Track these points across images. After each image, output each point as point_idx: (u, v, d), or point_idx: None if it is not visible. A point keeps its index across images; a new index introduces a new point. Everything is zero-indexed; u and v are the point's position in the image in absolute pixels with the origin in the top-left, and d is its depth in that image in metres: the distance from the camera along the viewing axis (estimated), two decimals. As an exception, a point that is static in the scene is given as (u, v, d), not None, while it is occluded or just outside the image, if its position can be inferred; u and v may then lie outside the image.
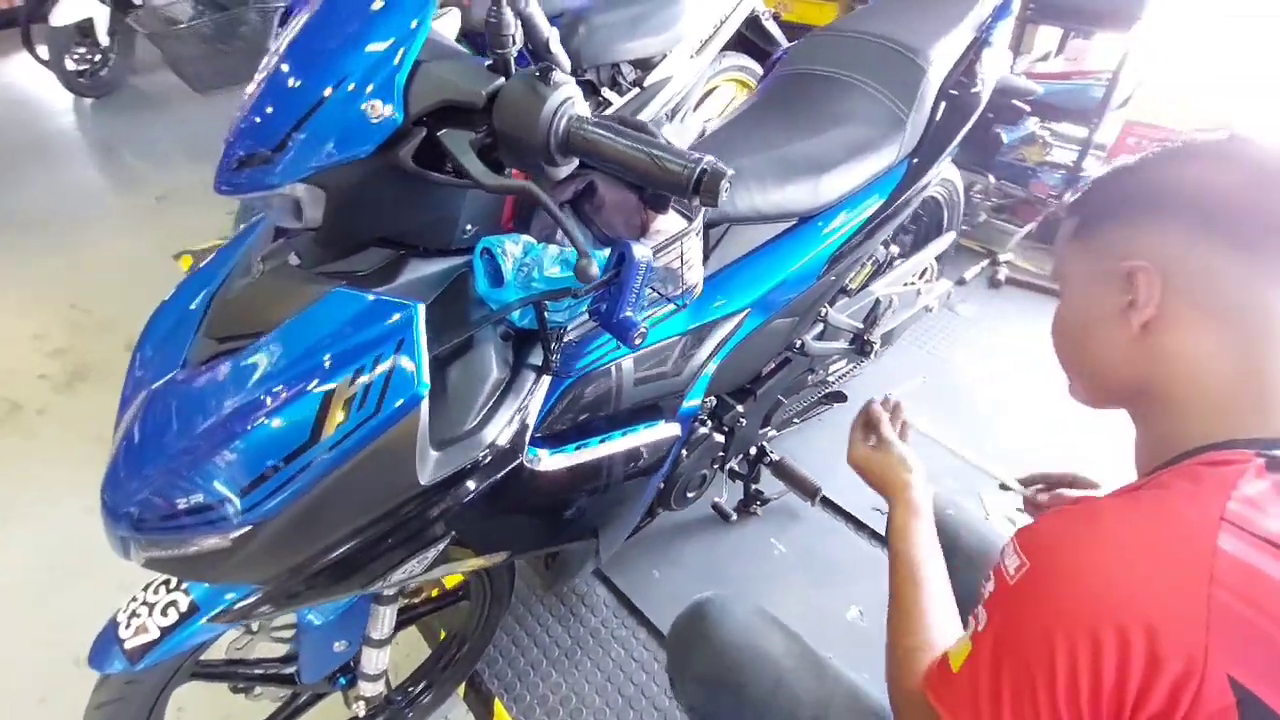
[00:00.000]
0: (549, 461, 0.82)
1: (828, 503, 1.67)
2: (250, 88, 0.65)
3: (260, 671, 1.05)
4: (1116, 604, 0.49)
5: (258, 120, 0.61)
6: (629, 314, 0.74)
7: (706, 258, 1.09)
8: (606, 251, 0.76)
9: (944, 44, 1.24)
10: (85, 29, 3.75)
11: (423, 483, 0.64)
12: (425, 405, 0.63)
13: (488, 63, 0.60)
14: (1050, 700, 0.52)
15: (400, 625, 1.17)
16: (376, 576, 0.71)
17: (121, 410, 0.74)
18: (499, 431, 0.72)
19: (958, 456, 0.98)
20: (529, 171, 0.61)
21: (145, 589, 0.82)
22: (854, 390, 1.91)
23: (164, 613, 0.79)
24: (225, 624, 0.75)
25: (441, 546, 0.73)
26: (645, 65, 2.07)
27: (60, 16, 3.56)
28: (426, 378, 0.62)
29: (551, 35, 0.60)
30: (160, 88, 3.99)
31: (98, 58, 3.93)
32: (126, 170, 3.37)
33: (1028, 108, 1.62)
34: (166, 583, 0.81)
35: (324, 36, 0.61)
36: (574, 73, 1.98)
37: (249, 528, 0.62)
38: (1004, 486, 0.93)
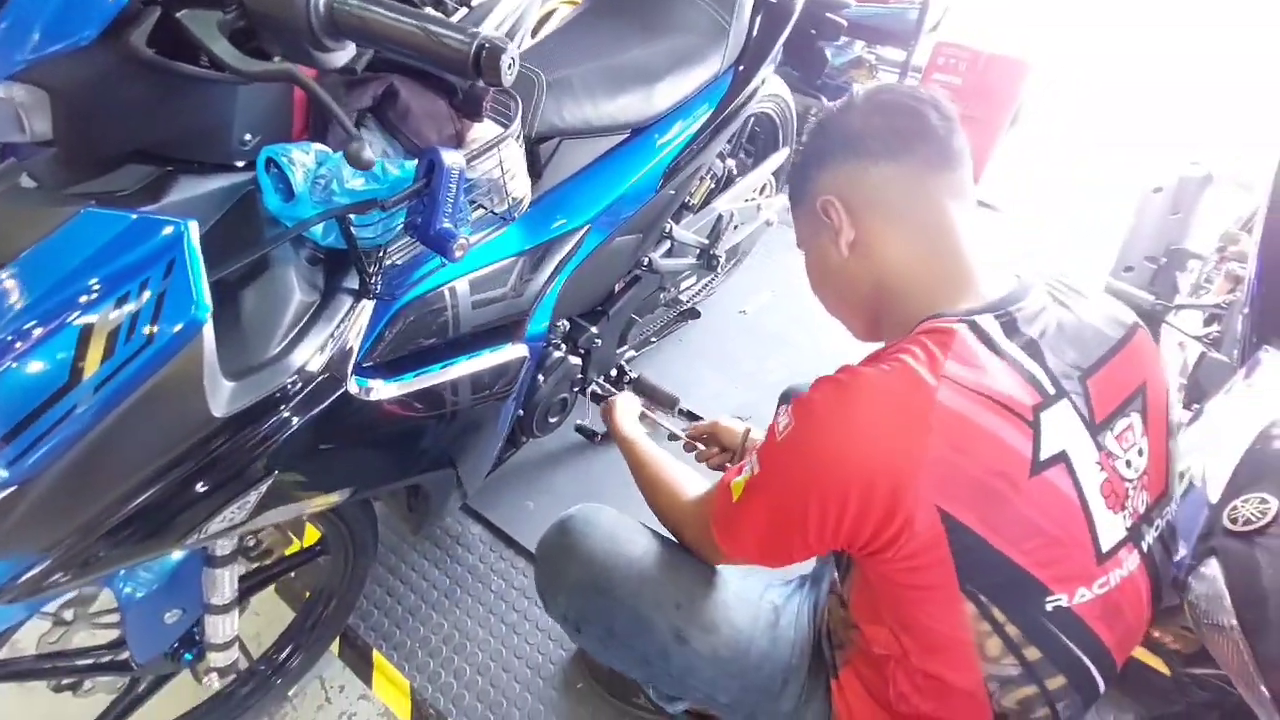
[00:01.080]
0: (383, 390, 0.78)
1: (692, 415, 1.75)
2: None
3: (88, 662, 0.95)
4: (858, 464, 0.60)
5: None
6: (446, 225, 0.71)
7: (540, 175, 1.06)
8: (415, 162, 0.71)
9: (759, -49, 1.25)
10: None
11: (217, 415, 0.59)
12: (209, 331, 0.56)
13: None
14: (803, 533, 0.65)
15: (253, 589, 1.10)
16: (190, 529, 0.65)
17: None
18: (309, 357, 0.66)
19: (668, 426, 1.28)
20: (300, 61, 0.55)
21: (-97, 588, 0.70)
22: (712, 307, 2.00)
23: (-68, 610, 0.69)
24: (14, 605, 0.66)
25: (264, 488, 0.68)
26: (471, -19, 1.93)
27: None
28: (207, 300, 0.56)
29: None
30: None
31: None
32: None
33: (844, 21, 1.70)
34: (-70, 577, 0.70)
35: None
36: (391, -12, 1.81)
37: (12, 490, 0.54)
38: (673, 437, 1.24)
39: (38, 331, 0.53)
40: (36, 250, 0.55)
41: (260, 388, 0.62)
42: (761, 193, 1.78)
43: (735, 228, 1.62)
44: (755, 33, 1.26)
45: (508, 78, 0.51)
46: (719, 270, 1.59)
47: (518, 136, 0.83)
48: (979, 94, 2.66)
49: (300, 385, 0.66)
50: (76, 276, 0.55)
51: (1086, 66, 3.49)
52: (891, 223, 0.71)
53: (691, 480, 0.92)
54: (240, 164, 0.66)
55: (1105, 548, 0.65)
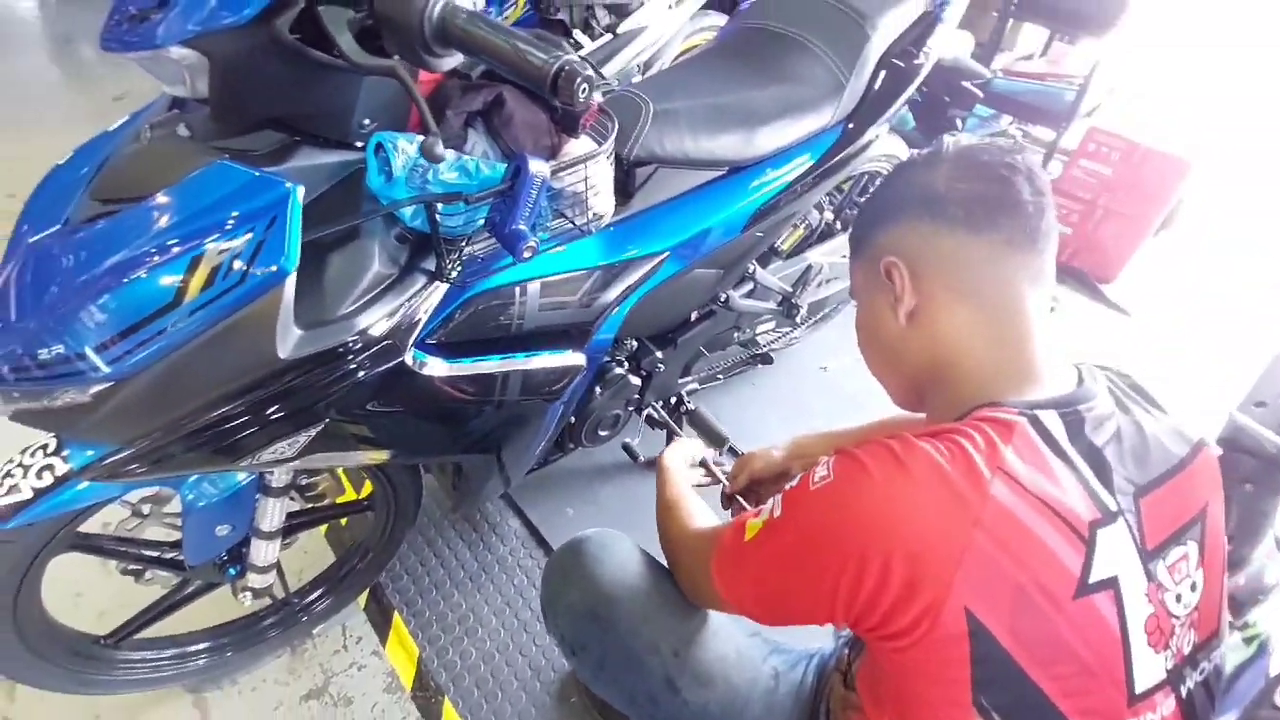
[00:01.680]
0: (436, 367, 0.84)
1: (736, 454, 1.73)
2: None
3: (151, 554, 1.06)
4: (890, 534, 0.55)
5: None
6: (520, 226, 0.76)
7: (631, 196, 1.11)
8: (505, 165, 0.77)
9: (894, 14, 1.25)
10: (54, -88, 3.58)
11: (282, 356, 0.66)
12: (291, 282, 0.64)
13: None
14: (810, 593, 0.60)
15: (301, 526, 1.20)
16: (245, 453, 0.73)
17: (4, 263, 0.74)
18: (374, 322, 0.73)
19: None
20: (414, 62, 0.62)
21: (23, 452, 0.83)
22: (792, 358, 1.97)
23: (39, 475, 0.80)
24: (98, 481, 0.76)
25: (313, 432, 0.75)
26: (620, 11, 2.05)
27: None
28: (296, 255, 0.63)
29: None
30: (131, -17, 3.84)
31: (66, -56, 3.75)
32: (86, 67, 3.24)
33: (980, 93, 1.65)
34: (44, 447, 0.82)
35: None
36: (546, 11, 1.95)
37: (108, 385, 0.63)
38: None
39: (157, 256, 0.62)
40: (174, 188, 0.65)
41: (324, 340, 0.70)
42: (861, 251, 1.75)
43: (825, 282, 1.60)
44: (873, 92, 1.25)
45: (580, 99, 0.55)
46: (799, 321, 1.57)
47: (608, 156, 0.88)
48: (1130, 188, 2.48)
49: (361, 346, 0.73)
50: (200, 215, 0.64)
51: (1261, 170, 3.17)
52: (959, 300, 0.65)
53: (709, 518, 0.90)
54: (358, 144, 0.75)
55: (1140, 689, 0.58)
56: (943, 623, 0.53)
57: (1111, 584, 0.56)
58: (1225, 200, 3.01)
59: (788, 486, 0.67)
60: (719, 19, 2.40)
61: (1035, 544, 0.54)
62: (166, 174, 0.66)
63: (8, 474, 0.81)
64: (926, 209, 0.66)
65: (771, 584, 0.66)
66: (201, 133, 0.69)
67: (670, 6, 2.12)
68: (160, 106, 0.76)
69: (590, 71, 0.55)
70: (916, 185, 0.68)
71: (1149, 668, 0.58)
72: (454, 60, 0.64)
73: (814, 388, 1.99)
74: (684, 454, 1.09)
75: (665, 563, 0.92)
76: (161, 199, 0.65)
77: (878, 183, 0.73)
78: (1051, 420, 0.59)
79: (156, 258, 0.62)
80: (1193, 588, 0.61)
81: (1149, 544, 0.59)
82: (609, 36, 2.04)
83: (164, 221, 0.64)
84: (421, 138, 0.74)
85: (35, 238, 0.69)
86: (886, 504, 0.56)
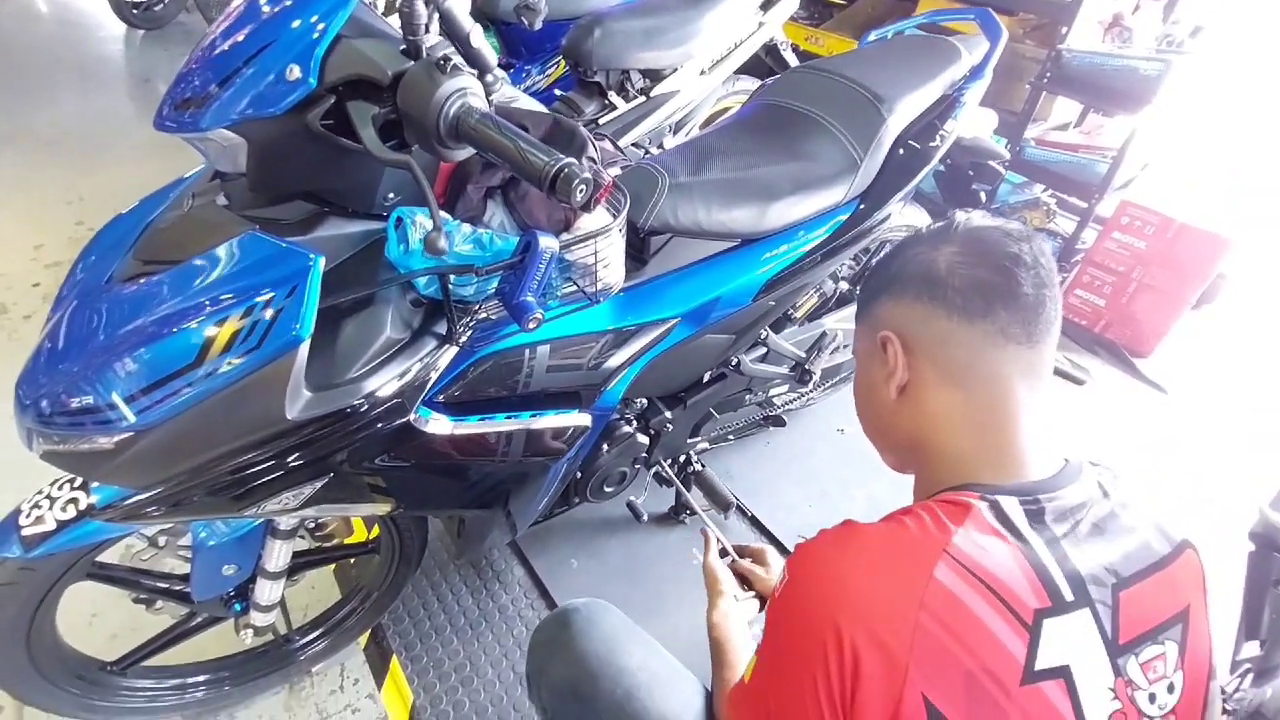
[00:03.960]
0: (440, 425, 0.87)
1: (756, 523, 1.72)
2: (204, 38, 0.72)
3: (162, 585, 1.10)
4: (847, 616, 0.54)
5: (196, 68, 0.67)
6: (528, 298, 0.80)
7: (645, 263, 1.14)
8: (518, 238, 0.82)
9: (911, 97, 1.28)
10: (146, -36, 3.90)
11: (290, 418, 0.70)
12: (304, 348, 0.68)
13: (402, 47, 0.65)
14: (808, 698, 0.57)
15: (307, 565, 1.23)
16: (252, 502, 0.77)
17: (54, 310, 0.80)
18: (382, 385, 0.77)
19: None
20: (430, 151, 0.67)
21: (52, 484, 0.88)
22: (809, 420, 1.97)
23: (64, 508, 0.85)
24: (114, 522, 0.80)
25: (318, 484, 0.78)
26: (655, 76, 2.12)
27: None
28: (310, 324, 0.67)
29: (473, 31, 0.65)
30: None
31: (153, -8, 4.08)
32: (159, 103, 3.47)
33: (1002, 170, 1.66)
34: (72, 481, 0.87)
35: (267, 2, 0.67)
36: (583, 73, 2.04)
37: (130, 434, 0.68)
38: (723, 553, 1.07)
39: (186, 319, 0.67)
40: (208, 255, 0.70)
41: (332, 403, 0.73)
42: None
43: (841, 348, 1.60)
44: (888, 171, 1.28)
45: (577, 199, 0.59)
46: (812, 386, 1.57)
47: (620, 230, 0.91)
48: (1164, 263, 2.44)
49: (367, 408, 0.76)
50: (227, 281, 0.69)
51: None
52: (948, 383, 0.65)
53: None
54: (382, 215, 0.80)
55: None
56: (904, 714, 0.52)
57: (1062, 673, 0.55)
58: (1273, 278, 2.94)
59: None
60: (751, 83, 2.48)
61: (978, 627, 0.53)
62: (203, 240, 0.72)
63: (35, 504, 0.86)
64: (926, 289, 0.66)
65: (770, 706, 0.63)
66: (238, 202, 0.75)
67: (703, 72, 2.19)
68: (203, 175, 0.82)
69: (588, 174, 0.59)
70: (920, 263, 0.68)
71: None
72: (466, 153, 0.68)
73: (829, 450, 1.98)
74: (738, 617, 0.97)
75: (651, 635, 0.91)
76: (195, 264, 0.70)
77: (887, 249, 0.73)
78: (1011, 506, 0.59)
79: (184, 320, 0.67)
80: (1170, 690, 0.59)
81: (1122, 638, 0.58)
82: (643, 99, 2.12)
83: (194, 286, 0.69)
84: (441, 214, 0.79)
85: (84, 290, 0.75)
86: (838, 584, 0.56)
